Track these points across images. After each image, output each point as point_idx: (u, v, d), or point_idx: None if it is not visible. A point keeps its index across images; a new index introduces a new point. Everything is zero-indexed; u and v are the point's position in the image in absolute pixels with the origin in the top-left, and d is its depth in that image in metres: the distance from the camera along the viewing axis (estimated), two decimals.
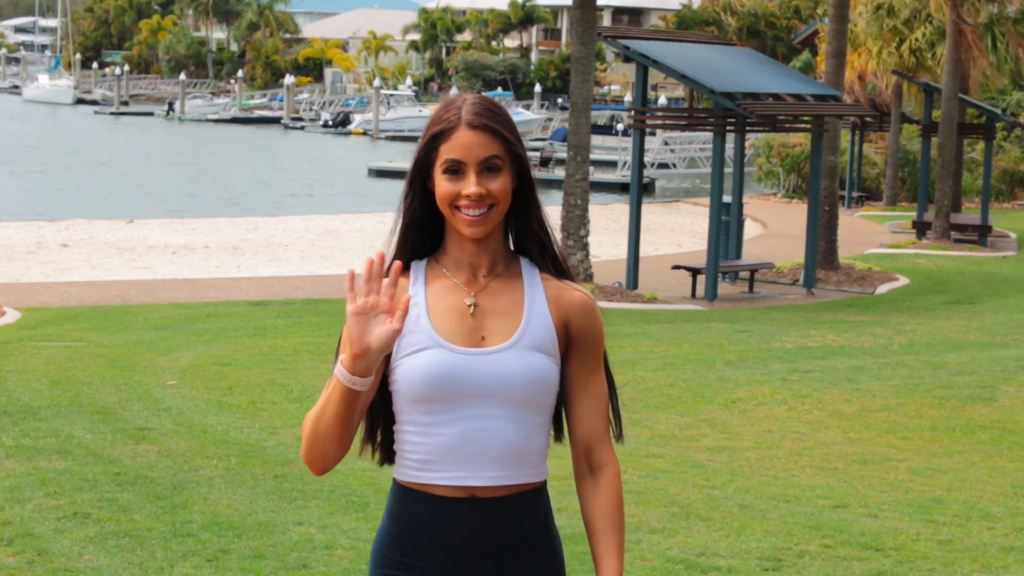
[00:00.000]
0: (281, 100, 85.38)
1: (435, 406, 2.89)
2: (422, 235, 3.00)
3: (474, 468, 2.90)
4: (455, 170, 2.89)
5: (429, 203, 2.96)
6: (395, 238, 3.04)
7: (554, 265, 3.01)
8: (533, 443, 2.94)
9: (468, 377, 2.88)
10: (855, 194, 36.27)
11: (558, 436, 3.07)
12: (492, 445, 2.90)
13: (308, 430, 2.89)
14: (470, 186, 2.87)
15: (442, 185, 2.90)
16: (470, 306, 2.93)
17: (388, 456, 3.03)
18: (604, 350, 3.04)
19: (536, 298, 2.96)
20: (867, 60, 33.55)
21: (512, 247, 3.03)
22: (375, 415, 3.03)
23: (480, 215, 2.89)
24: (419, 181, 2.96)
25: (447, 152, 2.90)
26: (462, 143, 2.89)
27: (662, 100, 68.48)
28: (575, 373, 2.99)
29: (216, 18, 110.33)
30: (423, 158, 2.94)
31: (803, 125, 20.86)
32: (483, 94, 3.03)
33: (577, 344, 2.98)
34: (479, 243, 2.95)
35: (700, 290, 18.92)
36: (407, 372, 2.89)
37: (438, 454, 2.90)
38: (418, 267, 3.01)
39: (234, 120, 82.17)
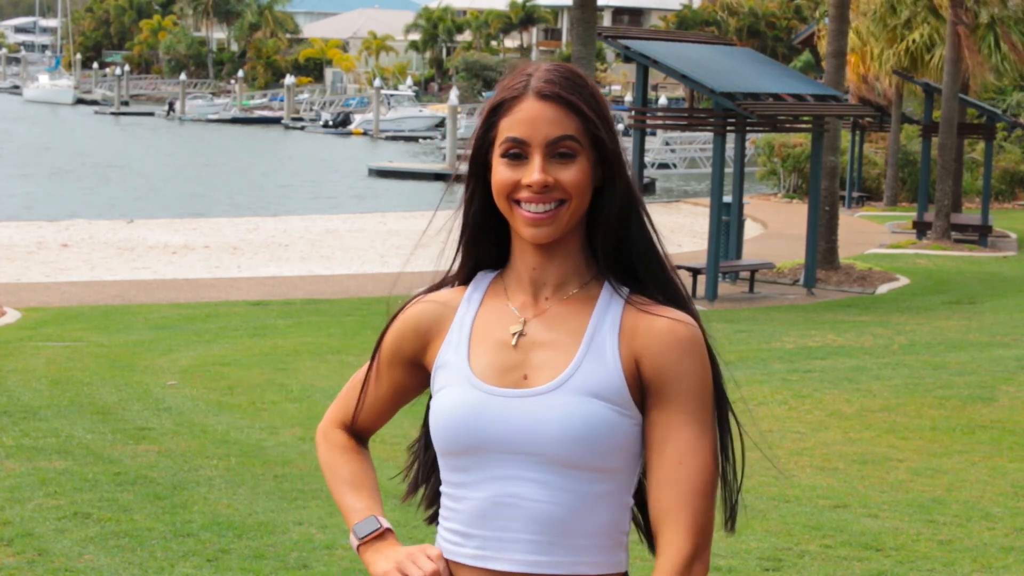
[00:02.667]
0: (281, 100, 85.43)
1: (463, 461, 2.29)
2: (484, 241, 2.36)
3: (499, 547, 2.26)
4: (516, 153, 2.24)
5: (490, 198, 2.32)
6: (459, 245, 2.39)
7: (656, 287, 2.30)
8: (589, 520, 2.25)
9: (497, 425, 2.25)
10: (855, 194, 36.25)
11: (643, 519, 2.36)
12: (523, 518, 2.24)
13: (322, 466, 2.56)
14: (533, 173, 2.22)
15: (499, 172, 2.26)
16: (515, 335, 2.29)
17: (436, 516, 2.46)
18: (712, 401, 2.28)
19: (605, 327, 2.27)
20: (869, 61, 33.54)
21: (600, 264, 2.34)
22: (423, 464, 2.52)
23: (546, 212, 2.23)
24: (479, 168, 2.32)
25: (508, 129, 2.25)
26: (526, 117, 2.24)
27: (662, 100, 68.50)
28: (652, 428, 2.25)
29: (216, 18, 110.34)
30: (481, 137, 2.30)
31: (803, 125, 20.85)
32: (561, 63, 2.34)
33: (653, 387, 2.25)
34: (544, 254, 2.29)
35: (700, 290, 18.92)
36: (433, 414, 2.32)
37: (466, 524, 2.29)
38: (483, 280, 2.38)
39: (234, 120, 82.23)
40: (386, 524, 2.40)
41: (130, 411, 9.97)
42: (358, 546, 2.40)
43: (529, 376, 2.26)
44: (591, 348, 2.25)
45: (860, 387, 11.49)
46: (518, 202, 2.25)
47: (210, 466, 8.18)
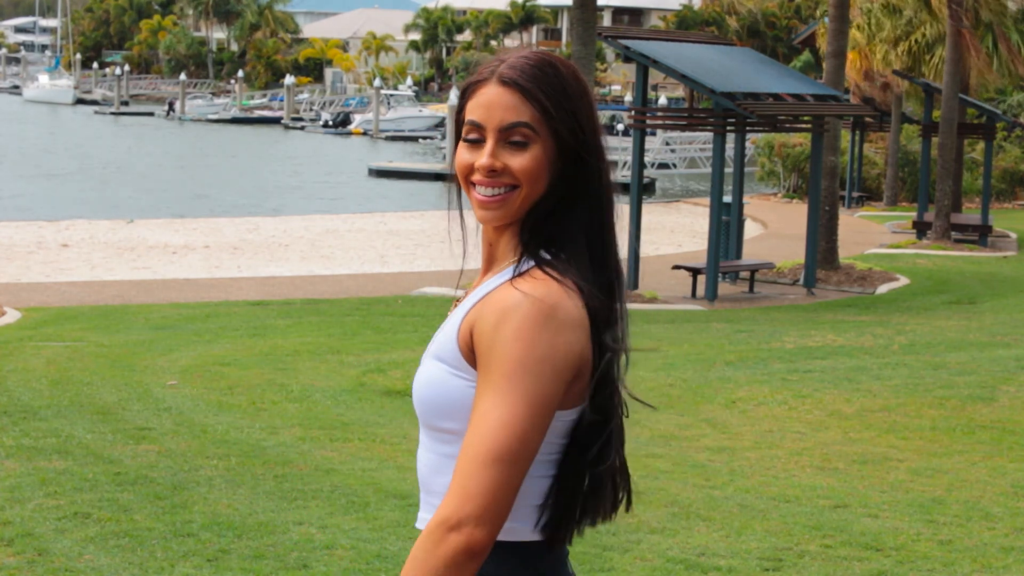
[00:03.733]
0: (281, 100, 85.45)
1: None
2: None
3: (420, 503, 2.38)
4: (475, 137, 2.29)
5: None
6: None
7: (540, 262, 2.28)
8: (443, 481, 2.27)
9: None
10: (855, 194, 36.26)
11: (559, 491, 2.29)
12: (417, 476, 2.37)
13: None
14: (483, 157, 2.26)
15: (459, 153, 2.31)
16: (455, 304, 2.38)
17: None
18: (526, 374, 2.18)
19: (472, 298, 2.31)
20: (870, 60, 33.54)
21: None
22: None
23: (494, 196, 2.27)
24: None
25: (469, 111, 2.30)
26: (485, 101, 2.28)
27: (662, 100, 68.48)
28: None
29: (216, 18, 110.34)
30: (456, 120, 2.36)
31: (803, 125, 20.86)
32: (540, 52, 2.36)
33: (476, 352, 2.24)
34: (497, 232, 2.34)
35: (700, 290, 18.92)
36: None
37: None
38: None
39: (234, 120, 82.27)
40: None
41: (130, 411, 9.97)
42: None
43: None
44: (452, 317, 2.30)
45: (860, 387, 11.49)
46: (473, 184, 2.29)
47: (210, 466, 8.18)
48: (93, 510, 7.09)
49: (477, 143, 2.28)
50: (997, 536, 7.12)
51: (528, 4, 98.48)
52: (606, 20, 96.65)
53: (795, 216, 30.21)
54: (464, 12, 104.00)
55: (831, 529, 7.11)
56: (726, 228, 19.90)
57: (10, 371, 11.56)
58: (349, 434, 9.30)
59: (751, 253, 22.96)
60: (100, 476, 7.81)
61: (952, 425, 10.00)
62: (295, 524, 6.92)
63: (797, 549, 6.76)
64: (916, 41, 32.90)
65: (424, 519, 2.31)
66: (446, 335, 2.28)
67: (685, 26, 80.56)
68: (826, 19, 25.83)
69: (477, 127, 2.28)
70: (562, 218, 2.30)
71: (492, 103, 2.27)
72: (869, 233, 29.67)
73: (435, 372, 2.26)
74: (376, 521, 6.96)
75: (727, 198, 20.14)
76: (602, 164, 2.32)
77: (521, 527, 2.27)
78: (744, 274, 20.22)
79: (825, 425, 10.01)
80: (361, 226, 30.65)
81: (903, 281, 20.96)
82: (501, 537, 2.21)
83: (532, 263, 2.28)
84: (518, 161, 2.26)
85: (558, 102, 2.27)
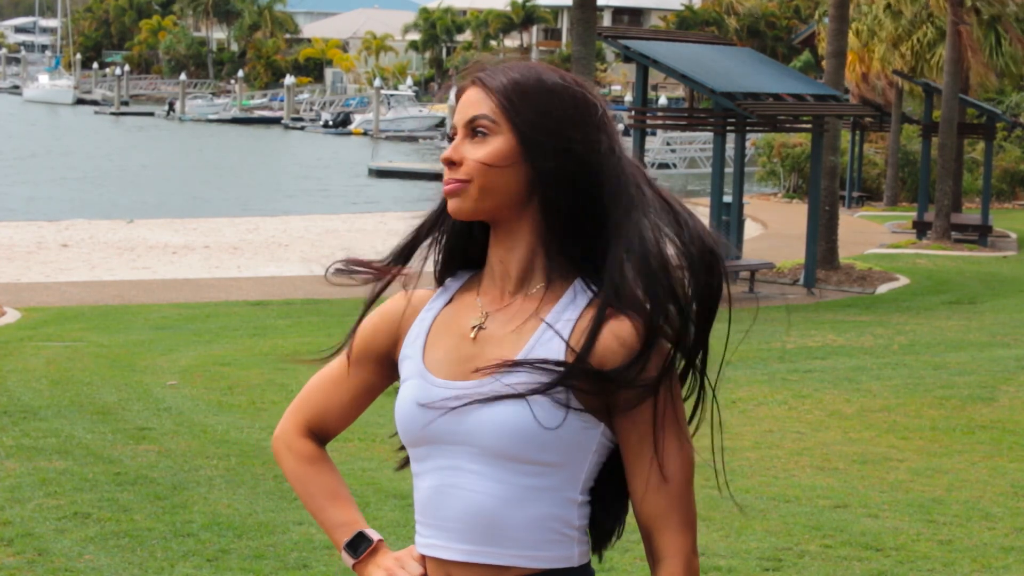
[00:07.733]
0: (281, 100, 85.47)
1: (417, 451, 2.33)
2: (464, 238, 2.39)
3: (446, 536, 2.28)
4: (452, 135, 2.32)
5: None
6: (433, 249, 2.41)
7: (615, 288, 2.24)
8: (524, 514, 2.23)
9: (441, 416, 2.27)
10: (855, 194, 36.24)
11: (603, 514, 2.36)
12: (462, 508, 2.26)
13: (291, 479, 2.55)
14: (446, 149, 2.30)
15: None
16: (474, 328, 2.30)
17: None
18: (673, 404, 2.32)
19: (559, 325, 2.25)
20: (869, 60, 33.54)
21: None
22: None
23: (449, 185, 2.29)
24: None
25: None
26: (461, 102, 2.32)
27: (662, 100, 68.46)
28: (626, 433, 2.27)
29: (216, 18, 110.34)
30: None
31: (803, 125, 20.85)
32: (524, 61, 2.38)
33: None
34: (504, 245, 2.29)
35: None
36: (395, 406, 2.37)
37: (419, 512, 2.33)
38: (459, 277, 2.41)
39: (234, 120, 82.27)
40: (376, 536, 2.42)
41: (130, 411, 9.97)
42: (354, 564, 2.41)
43: (480, 370, 2.26)
44: (539, 344, 2.24)
45: (860, 387, 11.49)
46: None
47: (210, 466, 8.18)
48: (93, 510, 7.09)
49: (452, 141, 2.31)
50: (997, 536, 7.12)
51: (528, 4, 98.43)
52: (606, 20, 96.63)
53: (795, 216, 30.19)
54: (464, 12, 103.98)
55: (831, 529, 7.11)
56: (726, 228, 19.88)
57: (10, 371, 11.56)
58: (349, 434, 9.30)
59: (751, 253, 22.95)
60: (100, 476, 7.81)
61: (952, 425, 10.00)
62: (295, 524, 6.92)
63: (797, 549, 6.76)
64: (918, 40, 32.88)
65: (478, 552, 2.26)
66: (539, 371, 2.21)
67: (685, 26, 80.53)
68: (826, 19, 25.82)
69: (454, 127, 2.30)
70: (589, 231, 2.27)
71: (463, 102, 2.30)
72: (869, 233, 29.66)
73: (537, 404, 2.19)
74: (376, 521, 6.96)
75: (727, 198, 20.13)
76: (605, 163, 2.27)
77: (580, 551, 2.30)
78: (744, 274, 20.21)
79: (825, 425, 10.01)
80: (361, 226, 30.63)
81: (903, 281, 20.95)
82: (543, 566, 2.25)
83: (591, 293, 2.26)
84: (473, 151, 2.25)
85: (524, 95, 2.24)
